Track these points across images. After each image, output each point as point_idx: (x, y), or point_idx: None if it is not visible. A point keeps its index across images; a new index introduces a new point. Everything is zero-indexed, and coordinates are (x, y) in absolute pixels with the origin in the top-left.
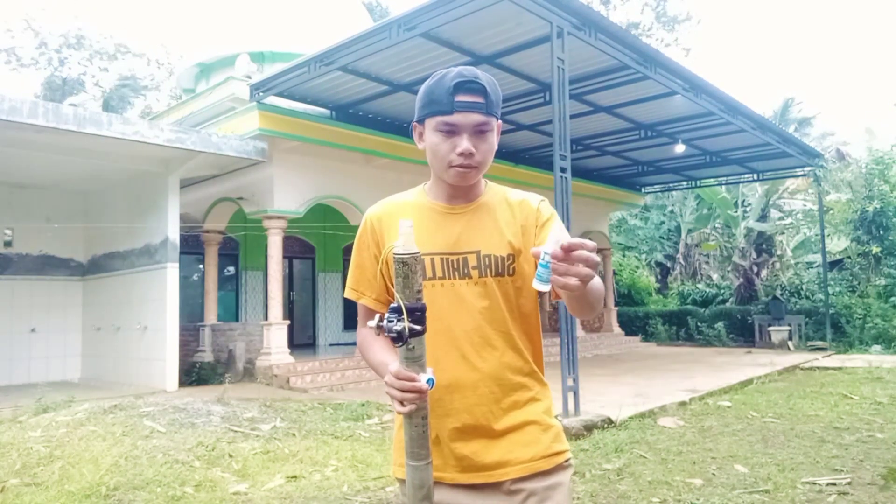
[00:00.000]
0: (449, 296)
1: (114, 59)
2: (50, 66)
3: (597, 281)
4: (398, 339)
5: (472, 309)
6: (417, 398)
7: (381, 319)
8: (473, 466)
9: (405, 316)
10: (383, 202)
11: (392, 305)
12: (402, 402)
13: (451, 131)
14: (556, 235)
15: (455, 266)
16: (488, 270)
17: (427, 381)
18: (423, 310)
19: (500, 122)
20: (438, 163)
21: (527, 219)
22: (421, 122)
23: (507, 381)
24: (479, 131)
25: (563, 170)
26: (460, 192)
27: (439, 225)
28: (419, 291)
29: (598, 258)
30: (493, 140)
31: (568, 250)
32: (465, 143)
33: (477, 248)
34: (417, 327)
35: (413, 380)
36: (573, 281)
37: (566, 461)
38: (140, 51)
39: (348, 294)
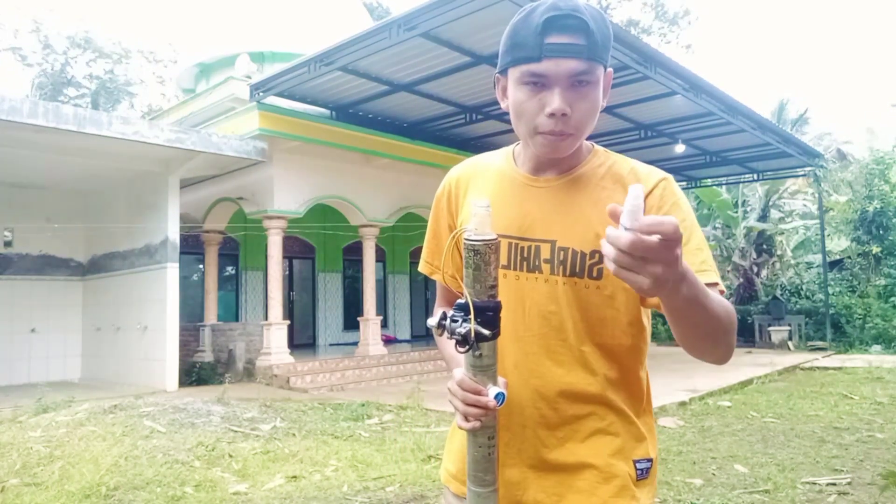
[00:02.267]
0: (511, 291)
1: (119, 62)
2: (54, 68)
3: (715, 298)
4: (463, 342)
5: (536, 312)
6: (482, 414)
7: (443, 317)
8: (508, 499)
9: (472, 316)
10: (468, 161)
11: (458, 301)
12: (465, 417)
13: (540, 84)
14: (634, 202)
15: (525, 255)
16: (561, 268)
17: (496, 397)
18: (496, 309)
19: (609, 70)
20: (523, 127)
21: None
22: (504, 73)
23: (565, 407)
24: (578, 83)
25: None
26: (550, 162)
27: (516, 200)
28: (493, 287)
29: (676, 251)
30: (597, 95)
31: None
32: (556, 101)
33: (553, 238)
34: (487, 332)
35: (479, 392)
36: (640, 279)
37: None
38: (148, 51)
39: (422, 268)
